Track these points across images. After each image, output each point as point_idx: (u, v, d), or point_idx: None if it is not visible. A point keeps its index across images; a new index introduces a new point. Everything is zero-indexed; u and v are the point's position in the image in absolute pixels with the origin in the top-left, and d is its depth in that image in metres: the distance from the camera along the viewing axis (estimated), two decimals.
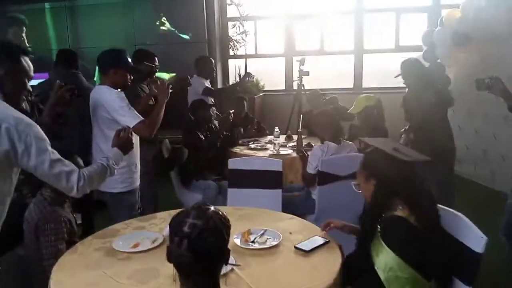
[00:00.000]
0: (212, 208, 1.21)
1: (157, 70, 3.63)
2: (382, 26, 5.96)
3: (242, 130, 4.31)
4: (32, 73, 1.74)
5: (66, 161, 1.68)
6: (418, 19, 5.77)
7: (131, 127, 2.44)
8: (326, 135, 3.11)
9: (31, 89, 1.78)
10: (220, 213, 1.22)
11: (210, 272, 1.19)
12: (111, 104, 2.50)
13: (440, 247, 1.65)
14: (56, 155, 1.64)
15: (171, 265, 1.68)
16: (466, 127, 4.77)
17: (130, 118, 2.48)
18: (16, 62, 1.67)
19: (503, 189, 4.31)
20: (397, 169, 1.69)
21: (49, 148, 1.62)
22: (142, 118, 2.52)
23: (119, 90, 2.59)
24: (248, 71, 6.06)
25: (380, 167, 1.73)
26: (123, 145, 2.02)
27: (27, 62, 1.71)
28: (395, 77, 3.90)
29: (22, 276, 2.13)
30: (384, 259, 1.61)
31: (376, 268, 1.64)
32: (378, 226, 1.68)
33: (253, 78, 5.81)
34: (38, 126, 1.62)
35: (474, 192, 4.33)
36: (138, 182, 2.75)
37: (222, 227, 1.18)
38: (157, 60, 3.60)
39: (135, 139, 2.64)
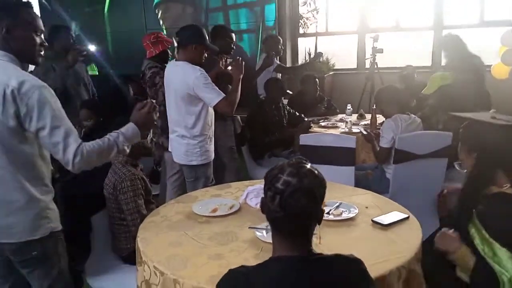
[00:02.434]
0: (308, 166, 1.17)
1: (234, 47, 3.66)
2: None
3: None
4: (39, 24, 1.61)
5: (73, 132, 1.55)
6: None
7: (214, 104, 2.53)
8: (393, 111, 2.99)
9: (44, 42, 1.64)
10: (316, 172, 1.17)
11: (301, 230, 1.16)
12: (194, 80, 2.54)
13: None
14: (61, 121, 1.52)
15: (248, 229, 1.75)
16: None
17: (213, 95, 2.53)
18: (15, 17, 1.55)
19: None
20: (498, 137, 1.60)
21: (55, 113, 1.52)
22: (224, 95, 2.56)
23: (198, 67, 2.61)
24: (318, 50, 5.95)
25: (481, 137, 1.66)
26: (143, 121, 1.75)
27: (30, 13, 1.59)
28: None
29: (110, 236, 2.31)
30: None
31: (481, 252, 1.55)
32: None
33: (324, 57, 5.72)
34: (46, 88, 1.53)
35: None
36: (213, 155, 2.82)
37: (316, 187, 1.13)
38: (234, 37, 3.63)
39: (211, 114, 2.72)
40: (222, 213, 1.92)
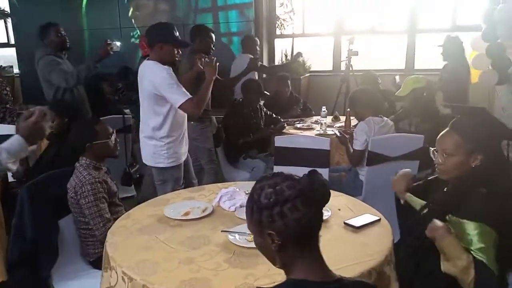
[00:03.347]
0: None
1: (214, 47, 3.61)
2: (437, 4, 5.65)
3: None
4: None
5: None
6: None
7: (178, 104, 2.49)
8: (367, 113, 3.03)
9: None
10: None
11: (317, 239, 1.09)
12: (159, 81, 2.50)
13: None
14: None
15: (221, 233, 1.73)
16: None
17: (178, 95, 2.49)
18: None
19: None
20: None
21: None
22: (189, 96, 2.51)
23: (166, 66, 2.56)
24: (295, 51, 5.98)
25: (492, 140, 1.55)
26: (30, 132, 1.54)
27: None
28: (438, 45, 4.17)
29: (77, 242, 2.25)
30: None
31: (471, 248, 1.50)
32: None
33: (303, 58, 5.76)
34: None
35: None
36: (184, 158, 2.77)
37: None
38: (213, 36, 3.58)
39: (181, 115, 2.67)
40: (194, 217, 1.90)
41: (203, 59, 2.87)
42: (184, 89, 2.54)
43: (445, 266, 1.52)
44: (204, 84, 2.64)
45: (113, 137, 2.26)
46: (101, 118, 2.57)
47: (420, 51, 5.73)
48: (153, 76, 2.53)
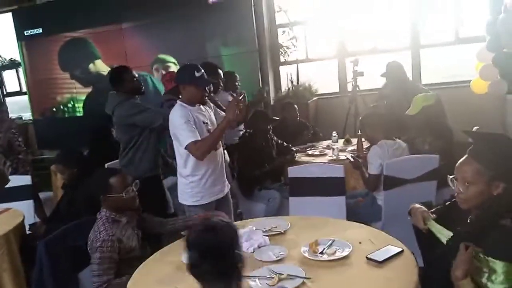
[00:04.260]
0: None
1: (222, 85, 3.61)
2: (439, 18, 5.66)
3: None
4: None
5: None
6: (479, 7, 5.41)
7: (184, 145, 2.49)
8: (379, 136, 3.00)
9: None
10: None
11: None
12: (174, 120, 2.55)
13: None
14: None
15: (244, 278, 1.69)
16: None
17: (185, 137, 2.47)
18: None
19: None
20: None
21: None
22: (196, 138, 2.47)
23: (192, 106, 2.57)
24: (300, 77, 6.01)
25: None
26: None
27: None
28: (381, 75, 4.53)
29: None
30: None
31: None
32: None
33: (306, 84, 5.79)
34: None
35: None
36: (211, 198, 2.67)
37: None
38: (221, 73, 3.59)
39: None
40: None
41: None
42: (193, 131, 2.50)
43: None
44: (216, 128, 2.58)
45: (129, 190, 2.19)
46: None
47: (426, 65, 5.71)
48: (171, 116, 2.59)
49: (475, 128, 3.53)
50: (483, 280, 1.47)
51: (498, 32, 4.53)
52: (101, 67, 6.77)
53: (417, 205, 1.83)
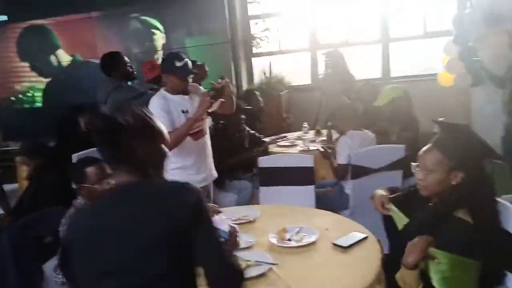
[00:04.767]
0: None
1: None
2: (408, 12, 5.78)
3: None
4: None
5: None
6: (446, 2, 5.56)
7: None
8: (348, 127, 3.06)
9: None
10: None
11: None
12: (150, 108, 2.50)
13: (499, 245, 1.55)
14: None
15: None
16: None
17: None
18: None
19: None
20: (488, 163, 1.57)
21: None
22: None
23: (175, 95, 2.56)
24: (273, 68, 6.02)
25: (476, 159, 1.55)
26: None
27: None
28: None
29: None
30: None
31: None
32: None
33: (279, 75, 5.81)
34: None
35: None
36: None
37: None
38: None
39: (190, 144, 2.59)
40: None
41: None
42: (165, 121, 2.43)
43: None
44: (186, 122, 2.51)
45: (105, 183, 2.07)
46: None
47: (395, 58, 5.83)
48: (149, 103, 2.57)
49: (441, 119, 3.64)
50: (427, 268, 1.51)
51: (464, 27, 4.67)
52: (62, 57, 6.57)
53: (379, 191, 1.87)
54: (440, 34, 5.32)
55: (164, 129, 1.32)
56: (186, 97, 2.64)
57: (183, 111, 2.58)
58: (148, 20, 6.08)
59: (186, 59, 2.56)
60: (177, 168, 2.61)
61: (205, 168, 2.76)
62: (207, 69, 4.50)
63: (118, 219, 1.19)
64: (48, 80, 6.66)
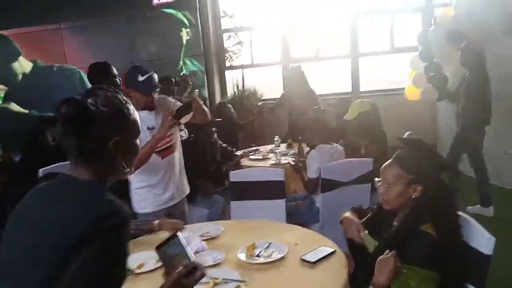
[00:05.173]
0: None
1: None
2: (376, 28, 5.97)
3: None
4: None
5: None
6: (412, 20, 5.77)
7: None
8: (317, 141, 3.11)
9: None
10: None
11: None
12: None
13: (460, 258, 1.59)
14: None
15: None
16: None
17: None
18: None
19: (505, 186, 4.29)
20: (445, 177, 1.64)
21: None
22: None
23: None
24: (247, 81, 6.08)
25: (433, 172, 1.60)
26: None
27: None
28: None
29: None
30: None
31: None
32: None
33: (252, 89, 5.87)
34: None
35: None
36: (160, 207, 2.61)
37: None
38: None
39: (154, 163, 2.51)
40: (149, 268, 1.83)
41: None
42: None
43: None
44: (145, 145, 2.36)
45: None
46: None
47: (365, 73, 5.99)
48: None
49: (407, 133, 3.74)
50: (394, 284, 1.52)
51: (429, 43, 4.85)
52: (21, 66, 6.42)
53: (350, 216, 1.86)
54: (407, 49, 5.51)
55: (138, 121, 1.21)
56: (153, 112, 2.54)
57: (148, 128, 2.48)
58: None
59: (150, 73, 2.45)
60: (141, 187, 2.56)
61: (173, 186, 2.65)
62: (190, 80, 4.50)
63: (28, 216, 1.11)
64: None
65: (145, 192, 2.57)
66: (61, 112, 1.10)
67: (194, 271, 1.23)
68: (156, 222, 2.10)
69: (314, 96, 4.54)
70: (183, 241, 1.28)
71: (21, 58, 6.43)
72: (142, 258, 1.93)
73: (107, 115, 1.11)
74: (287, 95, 4.78)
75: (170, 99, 2.77)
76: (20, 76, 6.44)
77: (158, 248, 1.29)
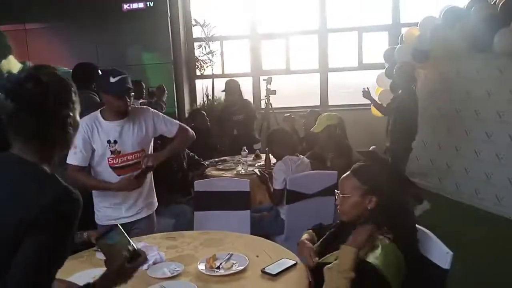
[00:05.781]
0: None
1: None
2: (345, 45, 6.10)
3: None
4: None
5: None
6: (379, 38, 5.94)
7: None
8: (284, 152, 3.11)
9: None
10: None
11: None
12: None
13: (417, 270, 1.60)
14: None
15: None
16: (430, 141, 4.88)
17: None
18: None
19: (466, 201, 4.43)
20: (400, 188, 1.64)
21: None
22: (75, 162, 2.32)
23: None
24: (217, 90, 6.05)
25: (386, 183, 1.62)
26: None
27: None
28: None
29: None
30: None
31: None
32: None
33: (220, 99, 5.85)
34: None
35: (440, 205, 4.40)
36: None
37: None
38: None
39: (97, 171, 2.43)
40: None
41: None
42: (77, 151, 2.28)
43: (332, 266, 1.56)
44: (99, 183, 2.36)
45: None
46: None
47: (333, 88, 6.09)
48: None
49: (372, 147, 3.81)
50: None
51: (395, 61, 4.99)
52: (8, 65, 6.21)
53: (304, 241, 1.86)
54: (374, 66, 5.65)
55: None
56: (120, 122, 2.34)
57: (108, 142, 2.33)
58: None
59: (123, 75, 2.27)
60: (104, 207, 2.45)
61: (139, 203, 2.51)
62: (164, 88, 4.53)
63: None
64: None
65: (99, 205, 2.47)
66: (27, 88, 1.09)
67: (137, 257, 1.34)
68: (85, 234, 2.03)
69: (250, 107, 4.64)
70: (122, 230, 1.36)
71: (11, 57, 6.19)
72: (95, 273, 1.82)
73: (60, 88, 1.15)
74: (226, 105, 4.84)
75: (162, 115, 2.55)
76: (5, 75, 6.18)
77: (97, 239, 1.36)
